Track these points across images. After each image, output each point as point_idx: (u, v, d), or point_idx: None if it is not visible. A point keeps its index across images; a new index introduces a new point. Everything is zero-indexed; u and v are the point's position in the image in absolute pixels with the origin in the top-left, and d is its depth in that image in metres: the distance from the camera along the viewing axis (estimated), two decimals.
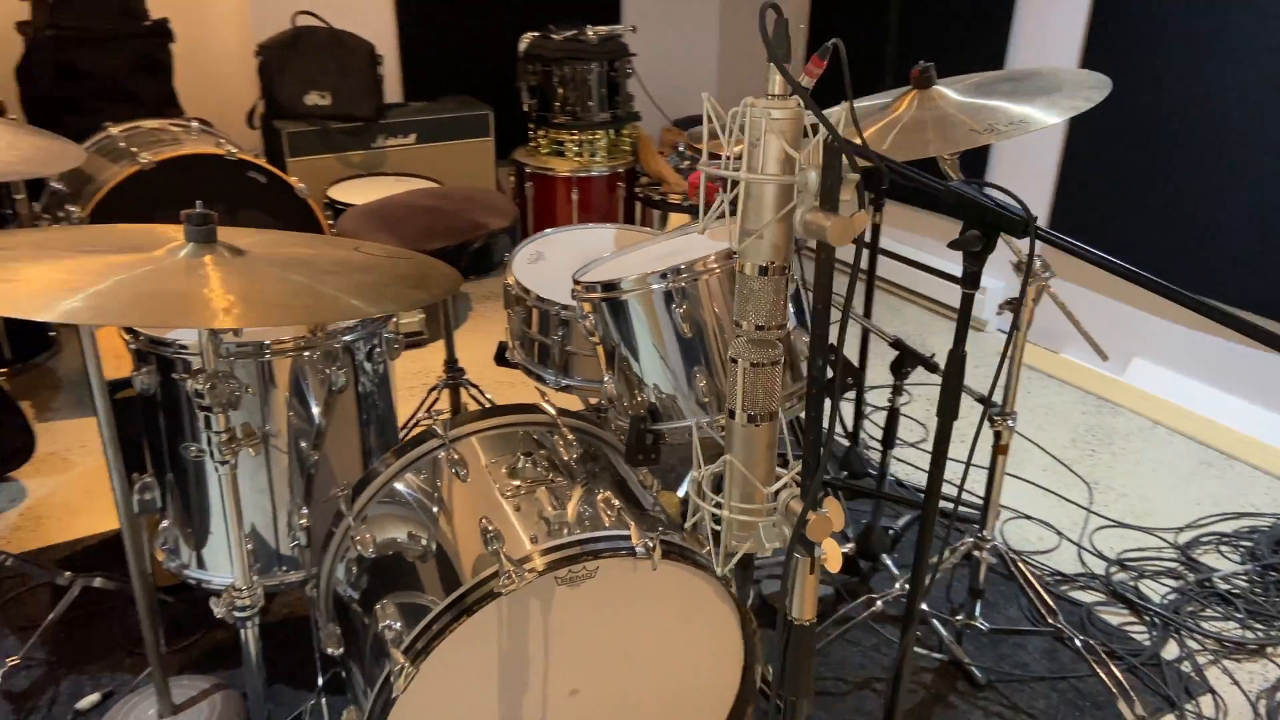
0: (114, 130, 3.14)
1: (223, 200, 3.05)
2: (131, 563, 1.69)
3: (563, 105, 4.11)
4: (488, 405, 2.76)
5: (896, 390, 2.19)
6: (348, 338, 1.81)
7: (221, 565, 1.83)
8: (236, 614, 1.50)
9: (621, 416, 1.71)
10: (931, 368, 2.12)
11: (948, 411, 1.26)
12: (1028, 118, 1.69)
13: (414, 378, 3.31)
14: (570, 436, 1.73)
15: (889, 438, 2.27)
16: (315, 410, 1.80)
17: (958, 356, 1.27)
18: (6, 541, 2.48)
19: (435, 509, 1.60)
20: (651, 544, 1.46)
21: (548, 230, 2.33)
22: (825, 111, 0.86)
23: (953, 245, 1.31)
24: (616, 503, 1.57)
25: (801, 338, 1.73)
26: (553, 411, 1.76)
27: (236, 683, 1.92)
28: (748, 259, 0.95)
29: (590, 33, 4.08)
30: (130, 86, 3.56)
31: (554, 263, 2.21)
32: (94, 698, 1.97)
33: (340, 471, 1.86)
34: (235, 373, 1.71)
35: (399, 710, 1.40)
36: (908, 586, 1.49)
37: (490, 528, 1.48)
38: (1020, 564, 2.29)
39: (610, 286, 1.62)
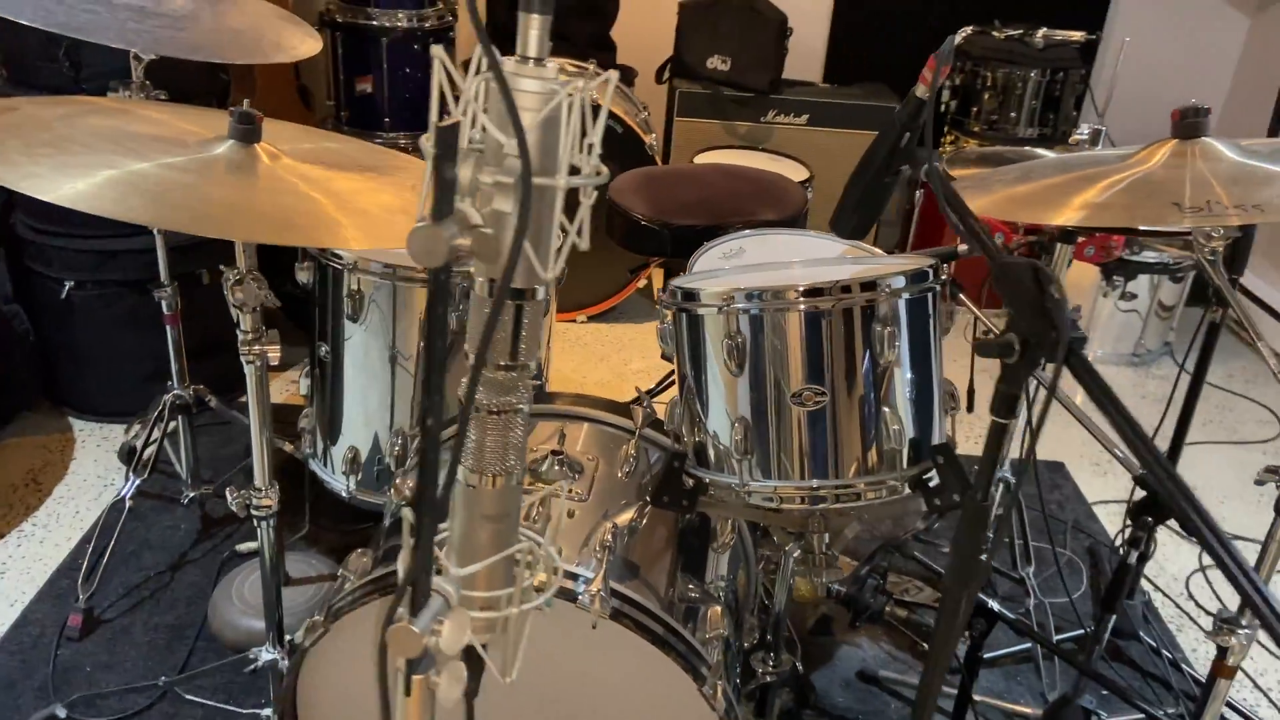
0: None
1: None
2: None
3: (982, 112, 3.65)
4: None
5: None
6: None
7: (337, 467, 1.92)
8: (254, 512, 1.54)
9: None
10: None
11: None
12: None
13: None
14: (633, 453, 1.53)
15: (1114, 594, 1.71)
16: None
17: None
18: None
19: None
20: (597, 597, 1.24)
21: (777, 230, 2.06)
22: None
23: (981, 350, 0.91)
24: (611, 541, 1.35)
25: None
26: (636, 422, 1.57)
27: None
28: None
29: (1038, 36, 3.54)
30: (562, 27, 3.82)
31: (746, 261, 1.94)
32: (252, 545, 2.20)
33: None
34: (373, 294, 1.77)
35: (310, 662, 1.36)
36: None
37: None
38: None
39: (690, 296, 1.37)
